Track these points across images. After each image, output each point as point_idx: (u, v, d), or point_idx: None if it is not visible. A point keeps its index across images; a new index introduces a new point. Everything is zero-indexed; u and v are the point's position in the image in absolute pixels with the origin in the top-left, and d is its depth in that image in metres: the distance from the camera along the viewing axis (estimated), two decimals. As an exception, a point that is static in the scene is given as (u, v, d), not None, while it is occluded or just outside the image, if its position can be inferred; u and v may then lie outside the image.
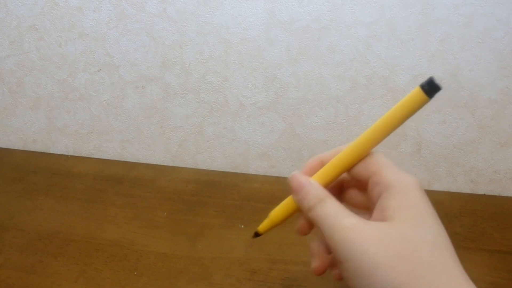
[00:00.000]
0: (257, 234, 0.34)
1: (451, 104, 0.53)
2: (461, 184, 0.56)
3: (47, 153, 0.70)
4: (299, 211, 0.32)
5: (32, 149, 0.70)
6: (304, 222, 0.33)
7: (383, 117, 0.29)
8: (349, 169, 0.30)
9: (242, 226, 0.51)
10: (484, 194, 0.56)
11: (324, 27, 0.53)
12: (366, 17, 0.51)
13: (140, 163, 0.66)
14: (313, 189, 0.29)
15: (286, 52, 0.55)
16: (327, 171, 0.31)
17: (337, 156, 0.30)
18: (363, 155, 0.30)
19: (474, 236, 0.47)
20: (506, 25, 0.48)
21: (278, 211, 0.33)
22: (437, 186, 0.57)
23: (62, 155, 0.69)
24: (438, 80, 0.27)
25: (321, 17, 0.52)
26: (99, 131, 0.66)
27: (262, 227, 0.34)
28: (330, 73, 0.55)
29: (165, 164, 0.65)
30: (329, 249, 0.32)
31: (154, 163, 0.66)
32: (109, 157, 0.67)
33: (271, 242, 0.48)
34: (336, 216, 0.27)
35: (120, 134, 0.66)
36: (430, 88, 0.27)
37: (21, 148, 0.71)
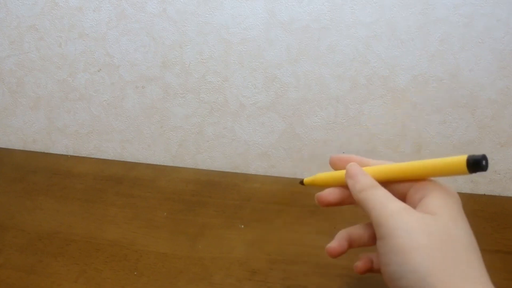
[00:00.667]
0: (301, 183, 0.38)
1: (451, 104, 0.53)
2: (461, 184, 0.56)
3: (47, 153, 0.70)
4: (341, 186, 0.34)
5: (32, 149, 0.70)
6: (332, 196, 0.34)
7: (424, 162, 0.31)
8: (395, 181, 0.32)
9: (242, 226, 0.51)
10: (484, 194, 0.56)
11: (324, 27, 0.53)
12: (366, 17, 0.51)
13: (140, 163, 0.66)
14: (368, 178, 0.32)
15: (286, 52, 0.55)
16: (379, 171, 0.33)
17: (392, 165, 0.32)
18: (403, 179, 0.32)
19: (474, 236, 0.47)
20: (506, 25, 0.48)
21: (324, 176, 0.36)
22: (437, 186, 0.57)
23: (62, 155, 0.69)
24: (485, 162, 0.27)
25: (321, 17, 0.52)
26: (99, 131, 0.66)
27: (307, 180, 0.38)
28: (330, 73, 0.55)
29: (165, 164, 0.65)
30: (350, 242, 0.34)
31: (154, 163, 0.66)
32: (109, 157, 0.67)
33: (271, 242, 0.48)
34: (387, 198, 0.30)
35: (120, 134, 0.66)
36: (475, 166, 0.27)
37: (21, 148, 0.71)
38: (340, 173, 0.35)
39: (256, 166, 0.62)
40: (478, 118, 0.53)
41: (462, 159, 0.27)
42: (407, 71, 0.52)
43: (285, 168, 0.61)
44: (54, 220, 0.53)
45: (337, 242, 0.34)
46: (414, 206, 0.30)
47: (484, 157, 0.27)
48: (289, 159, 0.61)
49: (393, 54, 0.52)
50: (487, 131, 0.53)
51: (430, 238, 0.26)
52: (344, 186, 0.34)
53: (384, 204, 0.29)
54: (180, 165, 0.65)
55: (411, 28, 0.51)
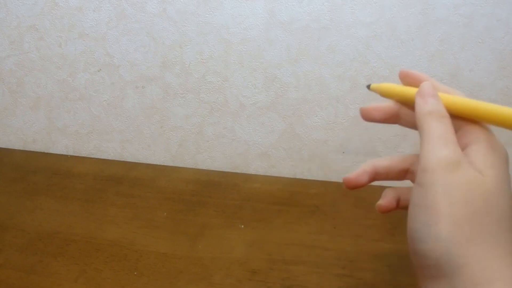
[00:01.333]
0: (368, 87, 0.35)
1: (451, 104, 0.53)
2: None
3: (47, 153, 0.70)
4: (402, 101, 0.32)
5: (32, 149, 0.70)
6: (392, 199, 0.32)
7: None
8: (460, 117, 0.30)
9: (242, 226, 0.51)
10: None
11: (324, 27, 0.53)
12: (366, 17, 0.51)
13: (140, 163, 0.66)
14: (439, 104, 0.29)
15: (286, 52, 0.55)
16: (453, 102, 0.30)
17: (465, 100, 0.30)
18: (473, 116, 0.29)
19: None
20: (506, 25, 0.48)
21: (391, 87, 0.33)
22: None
23: (62, 155, 0.69)
24: None
25: (321, 17, 0.52)
26: (99, 131, 0.66)
27: (374, 86, 0.35)
28: (330, 73, 0.55)
29: (165, 164, 0.65)
30: (374, 175, 0.32)
31: (154, 163, 0.66)
32: (109, 157, 0.67)
33: (271, 242, 0.48)
34: (445, 140, 0.27)
35: (120, 134, 0.66)
36: None
37: (21, 148, 0.71)
38: (409, 89, 0.32)
39: (256, 166, 0.62)
40: (478, 118, 0.53)
41: None
42: (407, 71, 0.52)
43: (285, 168, 0.61)
44: (54, 220, 0.53)
45: (355, 174, 0.32)
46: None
47: None
48: (289, 159, 0.61)
49: (393, 54, 0.52)
50: (487, 131, 0.53)
51: (467, 206, 0.24)
52: (406, 103, 0.32)
53: (439, 147, 0.26)
54: (180, 165, 0.65)
55: (411, 28, 0.51)
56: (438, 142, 0.26)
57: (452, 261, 0.24)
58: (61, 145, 0.69)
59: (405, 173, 0.32)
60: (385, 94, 0.34)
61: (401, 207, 0.32)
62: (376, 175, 0.32)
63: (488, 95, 0.51)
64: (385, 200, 0.32)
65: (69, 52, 0.62)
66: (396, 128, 0.51)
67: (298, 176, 0.61)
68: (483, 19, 0.49)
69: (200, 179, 0.60)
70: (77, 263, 0.46)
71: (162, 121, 0.63)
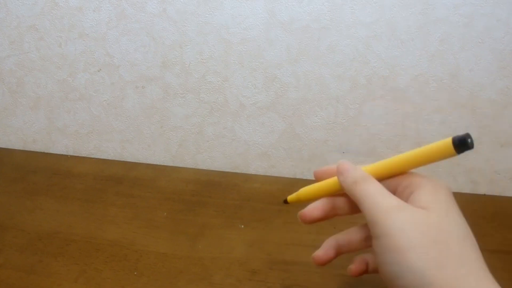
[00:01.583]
0: (285, 202, 0.38)
1: (451, 104, 0.53)
2: (461, 184, 0.56)
3: (47, 153, 0.70)
4: (326, 195, 0.34)
5: (32, 149, 0.70)
6: (317, 211, 0.34)
7: (411, 153, 0.31)
8: (385, 178, 0.32)
9: (242, 226, 0.51)
10: (484, 194, 0.56)
11: (324, 27, 0.53)
12: (366, 17, 0.51)
13: (140, 163, 0.66)
14: (360, 170, 0.31)
15: (286, 52, 0.55)
16: (374, 168, 0.32)
17: (381, 162, 0.32)
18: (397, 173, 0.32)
19: (474, 236, 0.47)
20: (506, 25, 0.48)
21: (308, 189, 0.35)
22: (437, 186, 0.57)
23: (62, 155, 0.69)
24: (471, 140, 0.27)
25: (321, 17, 0.52)
26: (99, 131, 0.66)
27: (290, 197, 0.37)
28: (330, 73, 0.55)
29: (165, 164, 0.65)
30: (338, 249, 0.34)
31: (154, 163, 0.66)
32: (109, 157, 0.67)
33: (271, 242, 0.48)
34: (380, 194, 0.29)
35: (120, 134, 0.66)
36: (461, 145, 0.28)
37: (21, 148, 0.71)
38: (325, 182, 0.34)
39: (256, 166, 0.62)
40: (478, 118, 0.53)
41: (447, 141, 0.28)
42: (407, 71, 0.52)
43: (285, 168, 0.61)
44: (54, 220, 0.53)
45: (322, 251, 0.34)
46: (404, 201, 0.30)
47: (468, 135, 0.27)
48: (289, 159, 0.61)
49: (393, 54, 0.52)
50: (487, 131, 0.53)
51: (424, 235, 0.26)
52: (331, 195, 0.34)
53: (378, 201, 0.29)
54: (180, 165, 0.65)
55: (411, 28, 0.51)
56: (374, 199, 0.29)
57: (428, 286, 0.25)
58: (61, 145, 0.69)
59: (366, 241, 0.33)
60: (307, 199, 0.35)
61: (371, 272, 0.34)
62: (341, 248, 0.34)
63: (488, 95, 0.51)
64: (356, 265, 0.34)
65: (69, 52, 0.62)
66: (396, 128, 0.51)
67: (298, 176, 0.61)
68: (483, 19, 0.49)
69: (200, 179, 0.60)
70: (77, 263, 0.46)
71: (162, 121, 0.63)
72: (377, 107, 0.55)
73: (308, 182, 0.61)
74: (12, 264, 0.46)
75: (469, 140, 0.27)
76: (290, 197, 0.37)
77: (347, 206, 0.34)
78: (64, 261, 0.46)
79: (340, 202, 0.34)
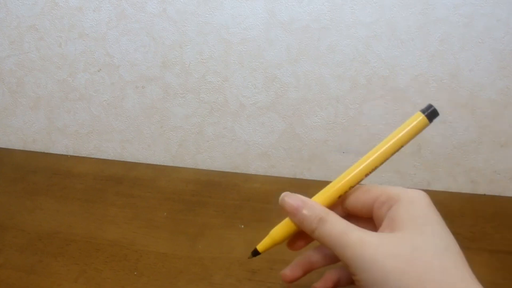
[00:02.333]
0: (256, 253, 0.33)
1: (451, 104, 0.53)
2: (461, 184, 0.56)
3: (47, 153, 0.70)
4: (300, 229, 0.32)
5: (32, 149, 0.70)
6: (299, 241, 0.34)
7: (385, 139, 0.31)
8: (346, 190, 0.31)
9: (242, 226, 0.51)
10: (484, 194, 0.56)
11: (324, 27, 0.53)
12: (366, 17, 0.51)
13: (140, 163, 0.66)
14: (311, 209, 0.29)
15: (286, 52, 0.55)
16: (324, 192, 0.31)
17: (335, 180, 0.31)
18: (363, 175, 0.31)
19: (474, 236, 0.47)
20: (506, 25, 0.48)
21: (279, 230, 0.33)
22: (437, 186, 0.57)
23: (62, 155, 0.69)
24: (435, 107, 0.29)
25: (321, 17, 0.52)
26: (99, 131, 0.66)
27: (261, 245, 0.33)
28: (330, 73, 0.55)
29: (165, 164, 0.65)
30: (309, 266, 0.33)
31: (154, 163, 0.66)
32: (109, 157, 0.67)
33: (271, 242, 0.48)
34: (342, 233, 0.28)
35: (120, 134, 0.66)
36: (430, 113, 0.30)
37: (21, 148, 0.71)
38: (287, 220, 0.32)
39: (256, 166, 0.62)
40: (478, 118, 0.53)
41: (417, 114, 0.30)
42: (407, 71, 0.52)
43: (285, 168, 0.61)
44: (54, 220, 0.53)
45: (289, 270, 0.33)
46: (381, 220, 0.29)
47: (431, 105, 0.30)
48: (289, 159, 0.61)
49: (393, 54, 0.52)
50: (487, 131, 0.53)
51: (397, 260, 0.26)
52: (298, 230, 0.32)
53: (343, 241, 0.27)
54: (180, 165, 0.65)
55: (411, 28, 0.51)
56: (340, 239, 0.28)
57: None
58: (61, 145, 0.69)
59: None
60: (276, 242, 0.33)
61: (343, 285, 0.33)
62: (312, 265, 0.33)
63: (488, 95, 0.51)
64: (322, 283, 0.33)
65: (69, 52, 0.62)
66: (396, 128, 0.51)
67: (298, 176, 0.61)
68: (483, 19, 0.49)
69: (200, 179, 0.60)
70: (77, 263, 0.46)
71: (162, 121, 0.63)
72: (377, 107, 0.55)
73: (308, 182, 0.61)
74: (12, 264, 0.46)
75: (433, 107, 0.30)
76: (260, 245, 0.33)
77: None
78: (64, 261, 0.46)
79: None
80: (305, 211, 0.30)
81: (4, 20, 0.63)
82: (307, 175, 0.61)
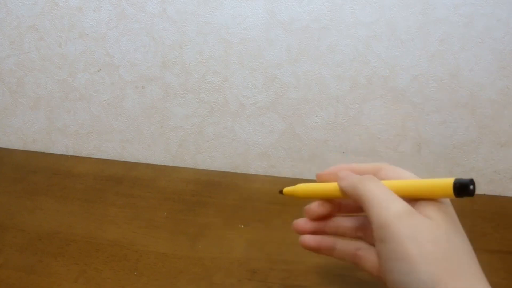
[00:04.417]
0: (281, 192, 0.37)
1: (451, 104, 0.53)
2: (461, 184, 0.56)
3: (47, 153, 0.70)
4: (322, 198, 0.33)
5: (32, 149, 0.70)
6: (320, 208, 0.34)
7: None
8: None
9: (242, 226, 0.51)
10: (484, 194, 0.56)
11: (324, 27, 0.53)
12: (366, 17, 0.51)
13: (140, 163, 0.66)
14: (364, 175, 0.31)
15: (286, 52, 0.55)
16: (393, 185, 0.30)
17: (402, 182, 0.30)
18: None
19: (474, 236, 0.47)
20: (506, 25, 0.48)
21: (306, 188, 0.35)
22: (437, 186, 0.57)
23: (62, 155, 0.69)
24: (473, 187, 0.27)
25: (321, 17, 0.52)
26: (99, 131, 0.66)
27: (287, 190, 0.36)
28: (330, 73, 0.55)
29: (165, 164, 0.65)
30: (331, 228, 0.33)
31: (154, 163, 0.66)
32: (109, 157, 0.67)
33: (271, 242, 0.48)
34: (388, 196, 0.28)
35: (120, 134, 0.66)
36: (462, 189, 0.27)
37: (21, 148, 0.71)
38: (324, 185, 0.33)
39: (256, 166, 0.62)
40: (478, 118, 0.53)
41: (449, 182, 0.27)
42: (407, 71, 0.52)
43: (285, 168, 0.61)
44: (54, 220, 0.53)
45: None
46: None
47: (471, 182, 0.26)
48: (289, 159, 0.61)
49: (393, 54, 0.52)
50: (487, 131, 0.53)
51: (436, 246, 0.25)
52: (327, 198, 0.33)
53: (387, 203, 0.27)
54: (180, 165, 0.65)
55: (411, 28, 0.51)
56: (382, 200, 0.28)
57: None
58: (61, 145, 0.69)
59: (356, 232, 0.33)
60: (302, 196, 0.35)
61: (336, 256, 0.33)
62: (327, 230, 0.34)
63: (488, 95, 0.51)
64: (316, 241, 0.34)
65: (69, 52, 0.62)
66: (396, 128, 0.51)
67: (298, 176, 0.61)
68: (483, 19, 0.49)
69: (200, 179, 0.60)
70: (77, 263, 0.46)
71: (162, 121, 0.63)
72: (377, 107, 0.55)
73: (308, 182, 0.61)
74: (12, 264, 0.46)
75: (471, 187, 0.26)
76: (286, 189, 0.37)
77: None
78: (64, 261, 0.46)
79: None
80: (356, 175, 0.31)
81: (4, 20, 0.63)
82: (307, 175, 0.61)
